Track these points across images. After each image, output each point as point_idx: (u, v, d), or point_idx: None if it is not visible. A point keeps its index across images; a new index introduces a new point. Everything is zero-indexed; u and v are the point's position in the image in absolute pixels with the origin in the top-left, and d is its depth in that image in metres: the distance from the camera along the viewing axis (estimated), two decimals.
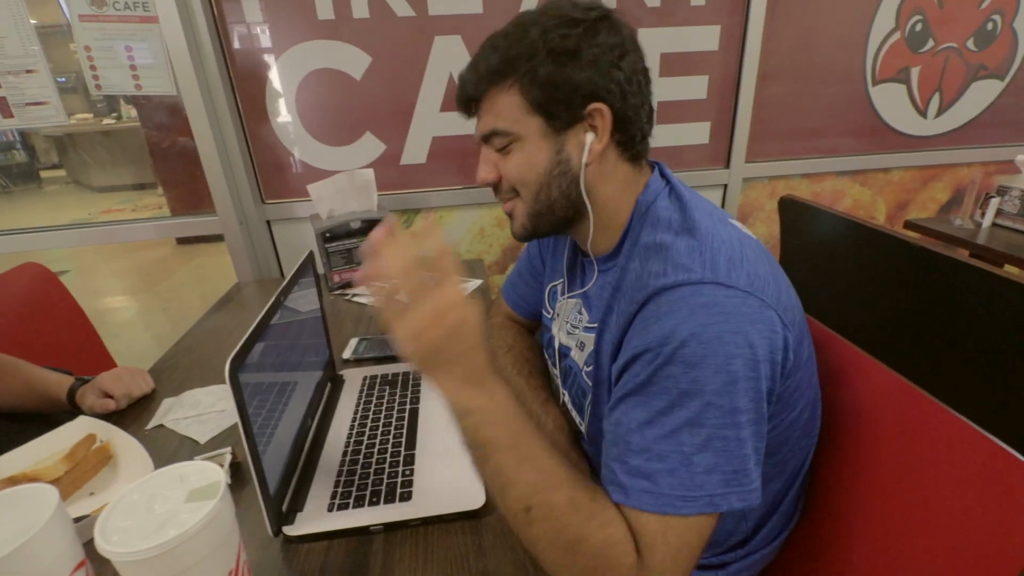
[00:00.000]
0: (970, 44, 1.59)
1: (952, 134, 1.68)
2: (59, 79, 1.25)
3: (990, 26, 1.57)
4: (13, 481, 0.63)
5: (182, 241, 3.88)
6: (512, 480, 0.46)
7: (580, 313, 0.69)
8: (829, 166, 1.65)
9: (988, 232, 1.41)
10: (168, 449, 0.73)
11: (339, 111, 1.37)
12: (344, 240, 1.22)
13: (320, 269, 1.29)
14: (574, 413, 0.70)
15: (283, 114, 1.35)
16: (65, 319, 1.25)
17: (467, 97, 0.60)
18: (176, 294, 3.18)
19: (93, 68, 1.21)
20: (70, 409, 0.87)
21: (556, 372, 0.77)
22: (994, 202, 1.40)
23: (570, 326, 0.71)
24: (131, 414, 0.82)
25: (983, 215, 1.43)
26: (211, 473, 0.44)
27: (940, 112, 1.65)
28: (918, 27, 1.54)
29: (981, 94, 1.65)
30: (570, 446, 0.69)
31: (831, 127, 1.62)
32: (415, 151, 1.44)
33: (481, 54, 0.58)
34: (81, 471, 0.66)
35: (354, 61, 1.33)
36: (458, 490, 0.61)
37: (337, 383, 0.84)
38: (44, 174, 5.83)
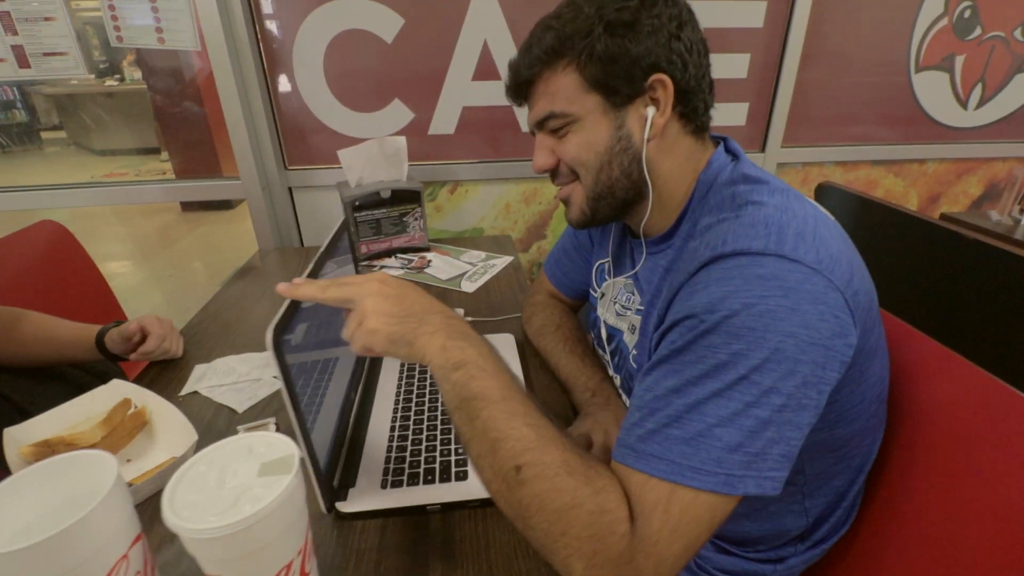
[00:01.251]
0: (1017, 34, 1.53)
1: (990, 127, 1.63)
2: None
3: None
4: (48, 445, 0.60)
5: (187, 208, 3.82)
6: (504, 435, 0.43)
7: (632, 294, 0.66)
8: (865, 154, 1.61)
9: None
10: (205, 417, 0.70)
11: (368, 75, 1.32)
12: (372, 210, 1.18)
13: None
14: (625, 398, 0.67)
15: (310, 76, 1.30)
16: (82, 279, 1.22)
17: (519, 82, 0.59)
18: (181, 262, 3.13)
19: (115, 18, 1.16)
20: (97, 359, 0.84)
21: (603, 354, 0.74)
22: None
23: (620, 307, 0.68)
24: (162, 379, 0.79)
25: (1022, 211, 1.40)
26: (282, 445, 0.41)
27: (981, 103, 1.60)
28: (967, 13, 1.49)
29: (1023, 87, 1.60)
30: None
31: (869, 114, 1.58)
32: (444, 121, 1.39)
33: (533, 37, 0.57)
34: (118, 436, 0.64)
35: (386, 23, 1.27)
36: None
37: (376, 357, 0.81)
38: (44, 135, 5.72)
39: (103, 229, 3.69)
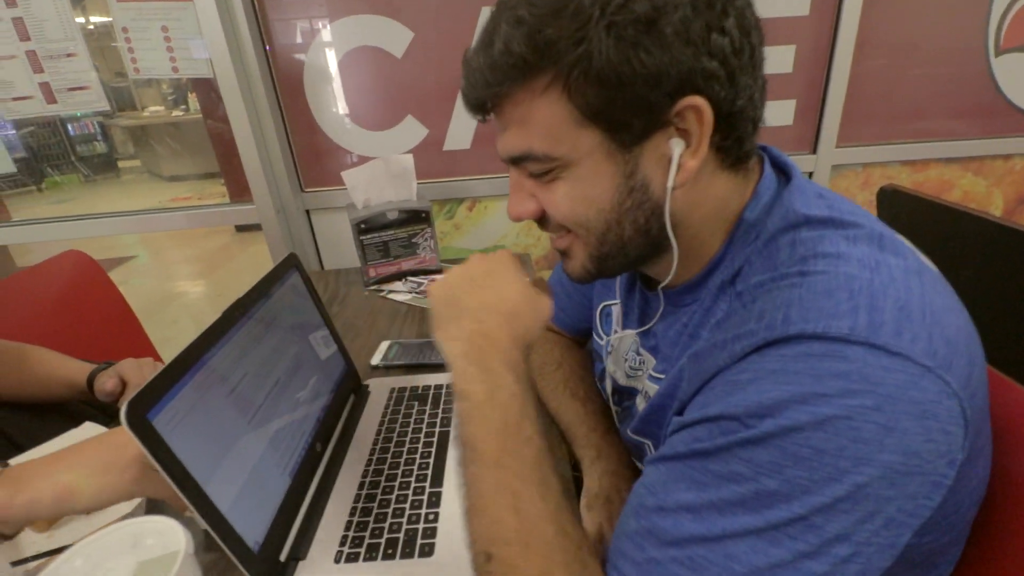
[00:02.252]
0: None
1: None
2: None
3: None
4: None
5: (241, 228, 3.99)
6: (484, 510, 0.36)
7: (639, 354, 0.54)
8: (935, 151, 1.41)
9: None
10: None
11: (379, 92, 1.28)
12: (380, 232, 1.13)
13: (357, 262, 1.21)
14: (635, 462, 0.57)
15: (322, 96, 1.28)
16: (107, 309, 1.24)
17: (476, 102, 0.42)
18: (233, 281, 3.26)
19: (131, 51, 1.18)
20: (87, 398, 0.83)
21: (613, 407, 0.63)
22: None
23: (630, 367, 0.56)
24: None
25: None
26: (171, 537, 0.34)
27: None
28: None
29: None
30: None
31: (939, 105, 1.38)
32: (459, 136, 1.33)
33: (495, 29, 0.38)
34: None
35: (395, 37, 1.23)
36: None
37: (362, 395, 0.74)
38: (121, 164, 6.20)
39: (169, 252, 3.91)
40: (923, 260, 0.38)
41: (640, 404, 0.53)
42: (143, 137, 6.07)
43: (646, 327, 0.52)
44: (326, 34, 1.22)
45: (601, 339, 0.64)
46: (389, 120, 1.31)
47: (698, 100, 0.36)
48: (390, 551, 0.50)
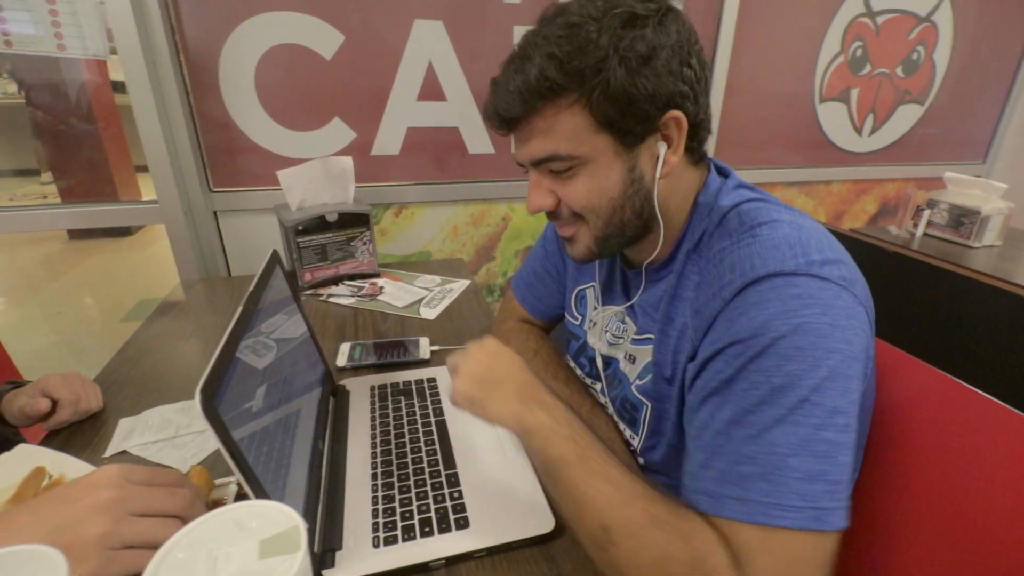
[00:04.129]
0: (899, 71, 1.75)
1: (881, 152, 1.85)
2: None
3: (915, 56, 1.75)
4: None
5: (76, 235, 3.39)
6: (586, 497, 0.45)
7: (624, 323, 0.64)
8: (780, 176, 1.75)
9: (921, 240, 1.55)
10: None
11: (305, 92, 1.24)
12: (317, 234, 1.09)
13: (287, 266, 1.15)
14: (623, 426, 0.65)
15: (239, 91, 1.20)
16: None
17: (509, 116, 0.52)
18: (71, 297, 2.76)
19: (2, 20, 1.00)
20: None
21: (592, 382, 0.72)
22: (926, 214, 1.55)
23: (611, 336, 0.66)
24: (77, 440, 0.66)
25: (915, 225, 1.58)
26: (280, 516, 0.34)
27: (873, 131, 1.81)
28: (858, 52, 1.68)
29: (906, 117, 1.83)
30: (629, 456, 0.65)
31: (783, 140, 1.72)
32: (388, 141, 1.33)
33: (528, 60, 0.49)
34: None
35: (324, 38, 1.21)
36: (520, 513, 0.54)
37: (341, 395, 0.73)
38: None
39: None
40: (818, 224, 0.53)
41: (624, 368, 0.64)
42: None
43: (633, 300, 0.62)
44: (247, 26, 1.16)
45: (576, 319, 0.74)
46: (315, 121, 1.27)
47: (678, 113, 0.50)
48: (427, 529, 0.52)
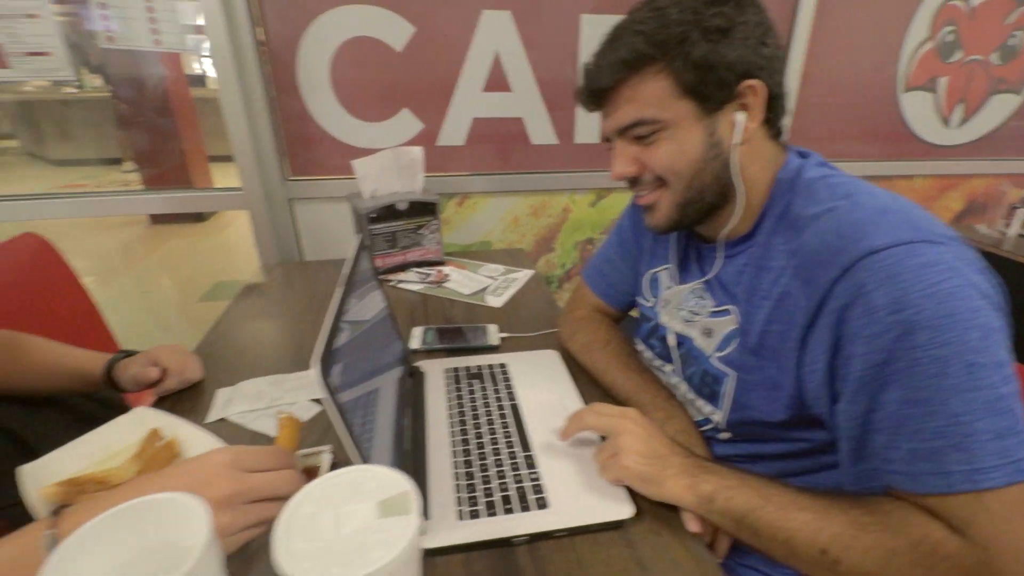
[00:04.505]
0: (994, 58, 1.62)
1: (971, 145, 1.72)
2: None
3: (1012, 41, 1.62)
4: (76, 484, 0.53)
5: (157, 220, 3.64)
6: (792, 531, 0.46)
7: (702, 299, 0.65)
8: (858, 170, 1.66)
9: (1015, 241, 1.45)
10: (239, 443, 0.64)
11: (377, 84, 1.28)
12: (388, 222, 1.13)
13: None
14: (700, 403, 0.65)
15: (315, 83, 1.25)
16: (65, 296, 1.12)
17: (599, 88, 0.58)
18: (152, 278, 2.97)
19: (105, 18, 1.08)
20: (99, 389, 0.77)
21: (662, 364, 0.72)
22: (1021, 212, 1.44)
23: (688, 313, 0.67)
24: (181, 406, 0.72)
25: (1007, 224, 1.47)
26: (391, 480, 0.37)
27: (962, 122, 1.68)
28: (949, 37, 1.57)
29: (999, 107, 1.69)
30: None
31: (861, 132, 1.63)
32: (453, 132, 1.36)
33: (617, 40, 0.56)
34: (150, 472, 0.57)
35: (396, 30, 1.24)
36: (599, 498, 0.55)
37: (417, 376, 0.76)
38: None
39: (61, 244, 3.46)
40: None
41: (700, 344, 0.64)
42: (23, 115, 5.31)
43: (710, 274, 0.64)
44: (324, 19, 1.20)
45: (648, 301, 0.76)
46: (384, 112, 1.31)
47: (755, 81, 0.54)
48: (508, 506, 0.54)
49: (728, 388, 0.60)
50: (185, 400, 0.74)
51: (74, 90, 5.17)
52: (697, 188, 0.58)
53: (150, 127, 3.65)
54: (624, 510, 0.53)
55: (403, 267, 1.19)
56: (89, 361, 0.76)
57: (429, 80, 1.30)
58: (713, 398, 0.63)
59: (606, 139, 0.62)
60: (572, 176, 1.45)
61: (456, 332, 0.90)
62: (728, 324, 0.60)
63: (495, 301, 1.04)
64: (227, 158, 1.21)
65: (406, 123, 1.33)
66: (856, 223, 0.48)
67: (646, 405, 0.66)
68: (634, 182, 0.62)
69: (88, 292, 1.15)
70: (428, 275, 1.16)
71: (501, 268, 1.21)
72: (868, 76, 1.56)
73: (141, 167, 3.72)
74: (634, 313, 0.84)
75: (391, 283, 1.13)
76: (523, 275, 1.16)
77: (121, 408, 0.81)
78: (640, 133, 0.57)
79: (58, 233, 1.12)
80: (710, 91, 0.54)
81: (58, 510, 0.42)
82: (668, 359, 0.71)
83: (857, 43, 1.50)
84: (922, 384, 0.42)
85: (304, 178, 1.34)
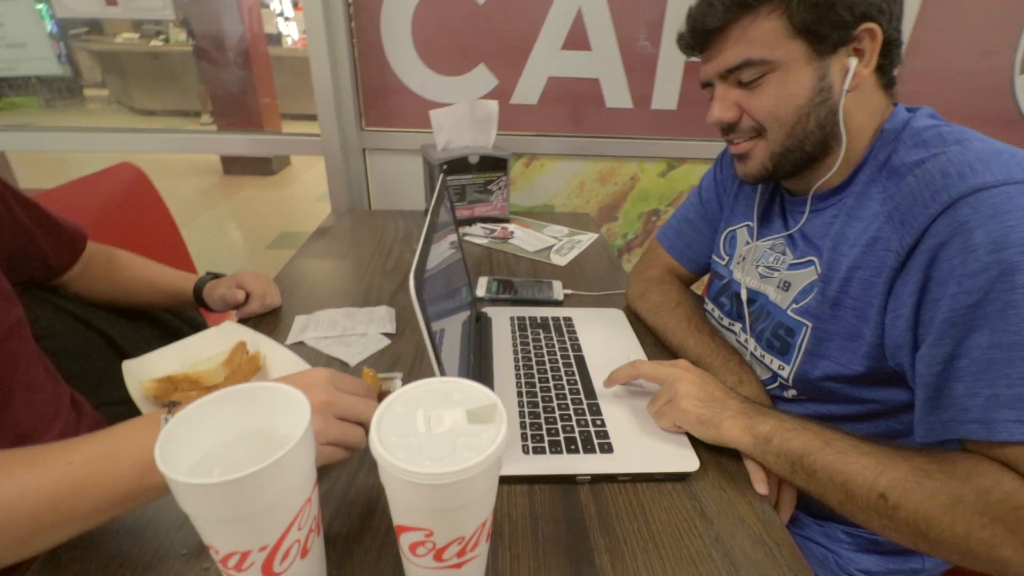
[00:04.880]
0: None
1: None
2: None
3: None
4: (171, 381, 0.58)
5: (229, 170, 3.82)
6: (851, 474, 0.44)
7: (783, 254, 0.63)
8: None
9: None
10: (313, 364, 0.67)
11: (456, 37, 1.28)
12: (459, 175, 1.14)
13: (419, 204, 1.22)
14: (769, 358, 0.63)
15: (397, 34, 1.26)
16: (154, 224, 1.21)
17: (706, 28, 0.55)
18: (222, 225, 3.13)
19: None
20: (187, 307, 0.83)
21: (730, 323, 0.71)
22: None
23: (765, 268, 0.65)
24: (261, 329, 0.76)
25: None
26: (476, 394, 0.37)
27: None
28: None
29: None
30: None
31: (967, 116, 1.49)
32: (528, 90, 1.34)
33: None
34: (236, 380, 0.61)
35: None
36: (664, 449, 0.55)
37: (484, 321, 0.77)
38: (87, 91, 5.75)
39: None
40: None
41: (776, 299, 0.63)
42: (114, 65, 5.64)
43: (794, 228, 0.62)
44: None
45: (723, 259, 0.74)
46: (461, 66, 1.31)
47: (873, 25, 0.51)
48: (572, 447, 0.54)
49: (802, 340, 0.58)
50: (265, 324, 0.78)
51: (160, 43, 5.46)
52: (798, 136, 0.55)
53: (228, 82, 3.82)
54: (690, 462, 0.53)
55: (469, 221, 1.20)
56: (180, 280, 0.81)
57: (508, 35, 1.28)
58: (784, 352, 0.61)
59: (705, 84, 0.60)
60: (644, 143, 1.41)
61: (521, 284, 0.90)
62: (808, 276, 0.59)
63: (559, 260, 1.03)
64: (298, 116, 1.25)
65: (481, 78, 1.32)
66: (965, 162, 0.45)
67: (717, 368, 0.64)
68: (729, 129, 0.60)
69: (175, 222, 1.23)
70: (493, 231, 1.16)
71: (565, 230, 1.19)
72: (978, 56, 1.41)
73: (218, 119, 3.91)
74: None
75: (460, 234, 1.14)
76: (587, 238, 1.15)
77: (202, 327, 0.87)
78: (746, 76, 0.55)
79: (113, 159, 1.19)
80: (826, 32, 0.51)
81: (172, 406, 0.46)
82: (737, 317, 0.69)
83: (968, 21, 1.36)
84: (1012, 328, 0.40)
85: (378, 129, 1.36)
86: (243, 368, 0.62)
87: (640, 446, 0.55)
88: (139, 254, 0.85)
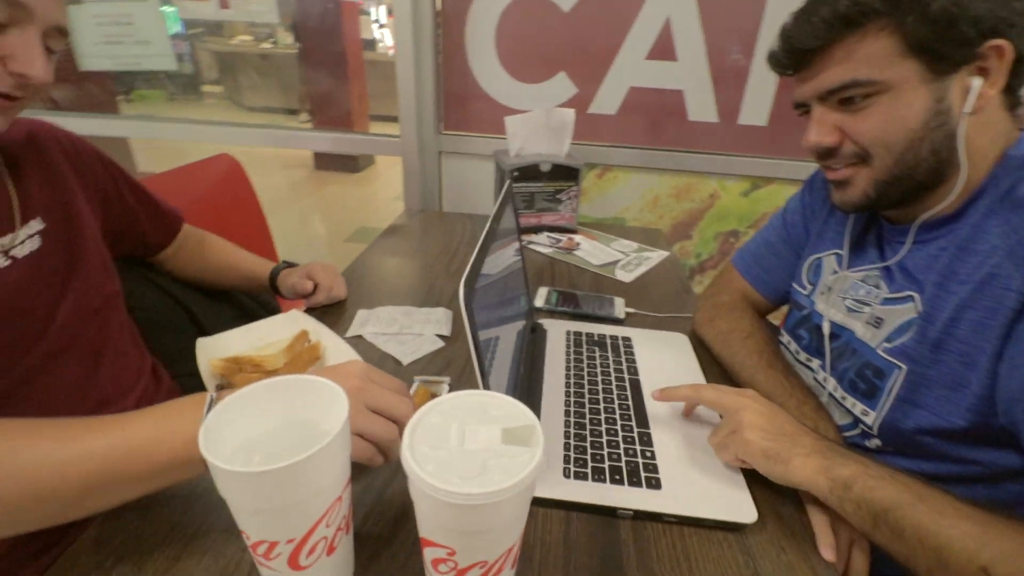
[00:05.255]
0: None
1: None
2: None
3: None
4: (236, 361, 0.61)
5: (320, 166, 4.07)
6: (946, 539, 0.39)
7: (876, 287, 0.57)
8: None
9: None
10: (371, 362, 0.68)
11: (539, 44, 1.27)
12: (528, 182, 1.13)
13: (489, 208, 1.22)
14: (852, 401, 0.57)
15: (480, 39, 1.27)
16: (245, 214, 1.29)
17: (807, 47, 0.51)
18: (308, 217, 3.33)
19: None
20: (262, 292, 0.87)
21: (808, 358, 0.64)
22: None
23: (854, 302, 0.59)
24: (326, 319, 0.79)
25: None
26: (519, 412, 0.36)
27: None
28: None
29: None
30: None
31: None
32: (607, 99, 1.31)
33: None
34: (295, 367, 0.63)
35: None
36: (718, 493, 0.50)
37: (539, 332, 0.76)
38: (204, 88, 6.35)
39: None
40: None
41: (864, 335, 0.56)
42: (229, 64, 6.18)
43: (891, 260, 0.56)
44: None
45: (805, 288, 0.68)
46: (542, 74, 1.30)
47: (1002, 42, 0.45)
48: (616, 477, 0.51)
49: (894, 384, 0.52)
50: (330, 314, 0.81)
51: (269, 45, 5.94)
52: (908, 163, 0.50)
53: (326, 83, 4.08)
54: (746, 512, 0.48)
55: (536, 229, 1.18)
56: (259, 266, 0.86)
57: (591, 43, 1.26)
58: (870, 395, 0.54)
59: (799, 105, 0.56)
60: (727, 160, 1.33)
61: (582, 298, 0.88)
62: (905, 313, 0.52)
63: (625, 276, 1.00)
64: (385, 118, 1.30)
65: (561, 86, 1.31)
66: None
67: (790, 410, 0.58)
68: (827, 154, 0.54)
69: (263, 211, 1.31)
70: (559, 240, 1.14)
71: (634, 245, 1.15)
72: None
73: (313, 118, 4.18)
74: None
75: (525, 243, 1.13)
76: (657, 255, 1.10)
77: (276, 312, 0.92)
78: (850, 95, 0.50)
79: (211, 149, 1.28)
80: (946, 50, 0.46)
81: (222, 387, 0.48)
82: (816, 353, 0.63)
83: None
84: None
85: (455, 133, 1.38)
86: (303, 356, 0.64)
87: (692, 486, 0.51)
88: (228, 239, 0.92)
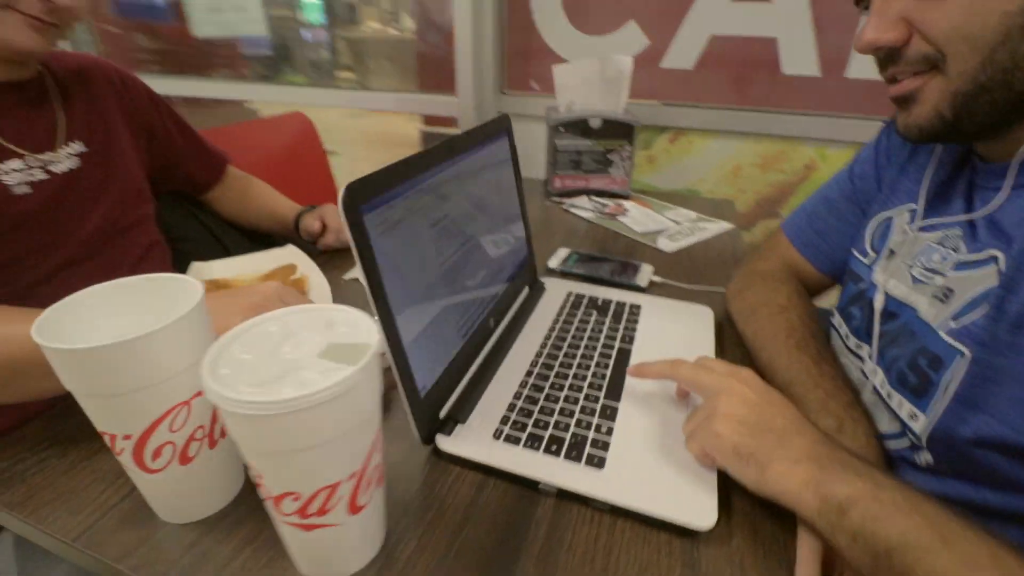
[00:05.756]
0: None
1: None
2: None
3: None
4: (217, 285, 0.62)
5: (427, 140, 4.24)
6: None
7: (955, 250, 0.42)
8: None
9: None
10: (356, 306, 0.67)
11: None
12: (575, 139, 1.04)
13: (541, 172, 1.14)
14: (898, 399, 0.43)
15: None
16: (312, 167, 1.36)
17: None
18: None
19: None
20: (292, 234, 0.90)
21: (857, 344, 0.50)
22: None
23: (923, 271, 0.44)
24: (334, 260, 0.79)
25: None
26: (364, 330, 0.30)
27: None
28: None
29: None
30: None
31: None
32: (683, 52, 1.16)
33: None
34: None
35: None
36: (673, 489, 0.40)
37: (536, 291, 0.68)
38: (338, 73, 6.93)
39: (362, 151, 4.31)
40: None
41: (925, 312, 0.42)
42: (360, 51, 6.64)
43: (980, 211, 0.41)
44: None
45: (867, 256, 0.53)
46: (609, 24, 1.19)
47: None
48: (554, 447, 0.43)
49: (954, 375, 0.37)
50: (338, 257, 0.80)
51: (396, 31, 6.30)
52: (1000, 64, 0.35)
53: (437, 64, 4.22)
54: (702, 515, 0.38)
55: (584, 192, 1.09)
56: (289, 210, 0.89)
57: None
58: (922, 392, 0.40)
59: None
60: (831, 122, 1.12)
61: (603, 262, 0.78)
62: (984, 280, 0.38)
63: (668, 245, 0.87)
64: None
65: (630, 38, 1.18)
66: None
67: (813, 403, 0.45)
68: (889, 59, 0.41)
69: (331, 169, 1.37)
70: (605, 205, 1.04)
71: (693, 215, 1.01)
72: None
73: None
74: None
75: (563, 206, 1.05)
76: (716, 227, 0.95)
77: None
78: None
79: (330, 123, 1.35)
80: None
81: None
82: (866, 336, 0.48)
83: None
84: None
85: (517, 93, 1.32)
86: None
87: (642, 474, 0.41)
88: (294, 193, 0.96)
